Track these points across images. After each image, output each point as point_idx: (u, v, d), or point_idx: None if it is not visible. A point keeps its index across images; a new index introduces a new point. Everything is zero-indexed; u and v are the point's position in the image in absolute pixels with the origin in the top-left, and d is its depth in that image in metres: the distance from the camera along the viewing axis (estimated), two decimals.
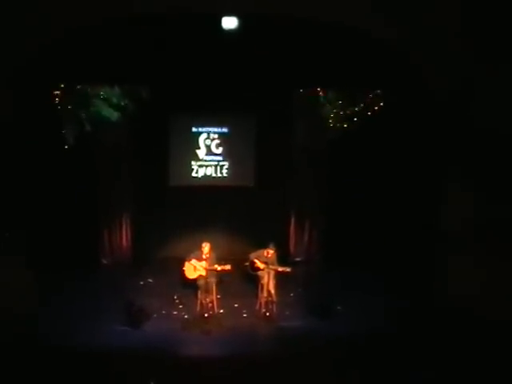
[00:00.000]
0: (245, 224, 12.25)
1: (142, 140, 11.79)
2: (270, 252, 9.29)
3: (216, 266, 9.06)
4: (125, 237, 12.15)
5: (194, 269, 9.20)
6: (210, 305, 9.16)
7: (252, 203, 12.36)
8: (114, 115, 10.92)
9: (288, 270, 9.10)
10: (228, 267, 8.99)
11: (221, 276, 9.43)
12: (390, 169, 11.15)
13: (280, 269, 9.14)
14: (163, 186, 12.22)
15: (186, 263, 9.28)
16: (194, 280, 9.23)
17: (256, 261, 9.37)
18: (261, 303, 9.30)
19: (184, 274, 9.30)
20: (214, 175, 12.40)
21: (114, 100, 10.75)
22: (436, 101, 9.26)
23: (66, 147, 10.55)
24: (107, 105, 10.69)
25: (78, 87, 10.47)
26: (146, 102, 10.77)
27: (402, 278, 10.18)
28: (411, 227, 10.66)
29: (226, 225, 12.30)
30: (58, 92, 10.27)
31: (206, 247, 9.15)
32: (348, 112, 10.95)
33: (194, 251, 9.34)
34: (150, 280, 10.95)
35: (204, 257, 9.07)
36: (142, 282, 10.81)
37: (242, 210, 12.34)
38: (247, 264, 9.43)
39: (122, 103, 10.88)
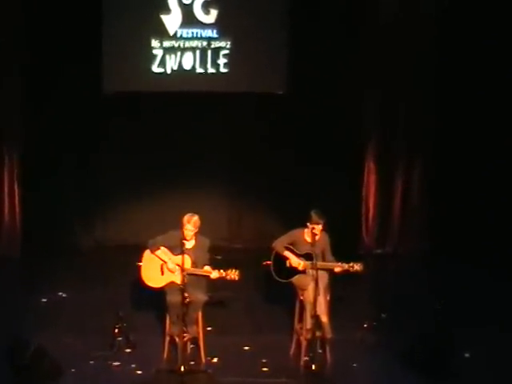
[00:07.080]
0: (267, 177, 12.83)
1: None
2: (317, 229, 9.04)
3: (207, 267, 8.99)
4: (8, 204, 12.58)
5: (162, 269, 9.09)
6: (192, 346, 9.14)
7: (282, 132, 12.79)
8: None
9: (358, 267, 8.97)
10: (234, 275, 8.93)
11: (216, 287, 9.48)
12: None
13: (338, 268, 9.00)
14: (91, 96, 12.61)
15: (146, 256, 9.20)
16: (161, 291, 9.11)
17: (288, 254, 9.24)
18: (299, 342, 9.20)
19: (141, 280, 9.25)
20: (199, 70, 12.72)
21: None
22: None
23: None
24: None
25: None
26: None
27: None
28: None
29: (227, 179, 13.02)
30: None
31: (189, 225, 8.95)
32: None
33: (165, 232, 9.26)
34: (63, 294, 11.16)
35: (186, 245, 8.87)
36: (44, 299, 10.98)
37: (262, 146, 12.81)
38: (269, 263, 9.41)
39: None
